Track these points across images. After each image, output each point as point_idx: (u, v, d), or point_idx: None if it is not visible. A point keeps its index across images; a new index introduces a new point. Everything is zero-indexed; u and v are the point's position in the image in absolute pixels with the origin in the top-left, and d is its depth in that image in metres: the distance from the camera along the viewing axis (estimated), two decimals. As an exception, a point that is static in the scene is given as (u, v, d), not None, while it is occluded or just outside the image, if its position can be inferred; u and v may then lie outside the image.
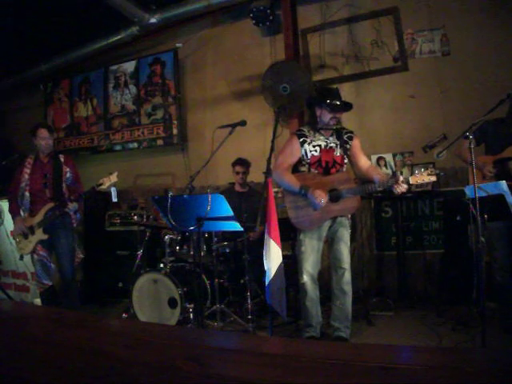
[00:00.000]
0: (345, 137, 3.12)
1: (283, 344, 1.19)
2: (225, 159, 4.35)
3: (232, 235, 3.93)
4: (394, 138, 4.55)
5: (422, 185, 2.93)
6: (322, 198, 2.90)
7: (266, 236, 2.44)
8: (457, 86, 4.27)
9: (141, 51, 5.89)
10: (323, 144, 3.09)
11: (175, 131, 5.61)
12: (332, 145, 3.10)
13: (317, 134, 3.11)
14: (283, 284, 2.46)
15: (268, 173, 2.56)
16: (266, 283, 2.42)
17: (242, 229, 2.63)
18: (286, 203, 3.10)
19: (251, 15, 4.77)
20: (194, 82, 5.67)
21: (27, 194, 3.53)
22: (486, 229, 3.08)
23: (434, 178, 2.75)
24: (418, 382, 0.78)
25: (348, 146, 3.11)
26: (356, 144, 3.13)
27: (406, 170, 4.32)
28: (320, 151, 3.08)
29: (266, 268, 2.42)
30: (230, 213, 2.49)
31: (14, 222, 3.63)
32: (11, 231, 4.13)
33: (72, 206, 3.51)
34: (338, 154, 3.10)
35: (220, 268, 3.89)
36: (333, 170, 3.08)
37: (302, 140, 3.10)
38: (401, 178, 2.75)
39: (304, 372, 0.84)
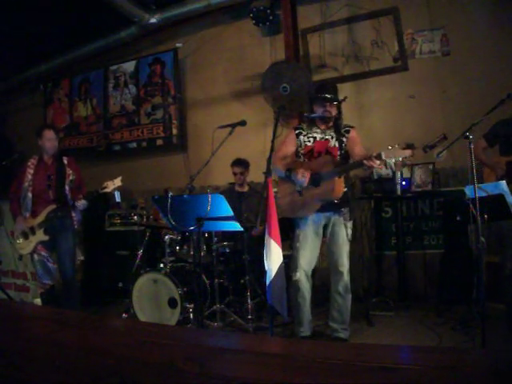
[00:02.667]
0: (342, 130, 3.13)
1: (283, 344, 1.19)
2: (225, 159, 4.34)
3: (232, 235, 3.93)
4: (394, 138, 4.51)
5: (398, 161, 2.71)
6: (303, 174, 2.91)
7: (266, 236, 2.44)
8: (457, 85, 4.26)
9: (141, 51, 5.88)
10: (319, 136, 3.12)
11: (175, 131, 5.61)
12: (327, 137, 3.12)
13: (314, 128, 3.15)
14: (284, 284, 2.46)
15: (268, 173, 2.56)
16: (267, 283, 2.42)
17: (241, 229, 2.63)
18: (279, 193, 3.12)
19: (251, 15, 4.77)
20: (193, 81, 5.66)
21: (30, 194, 3.53)
22: (496, 228, 3.10)
23: (408, 152, 2.56)
24: (418, 381, 0.78)
25: (344, 139, 3.10)
26: (353, 136, 3.11)
27: (406, 170, 4.31)
28: (314, 142, 3.11)
29: (266, 268, 2.42)
30: (230, 213, 2.49)
31: (15, 222, 3.63)
32: (11, 231, 4.13)
33: (82, 204, 3.49)
34: (333, 146, 3.09)
35: (220, 268, 3.89)
36: None
37: (297, 132, 3.17)
38: (373, 154, 2.65)
39: (304, 372, 0.84)
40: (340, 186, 2.93)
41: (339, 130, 3.12)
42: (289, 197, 3.04)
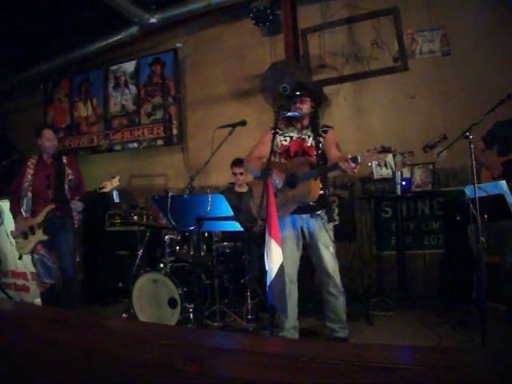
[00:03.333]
0: (320, 130, 3.08)
1: (283, 344, 1.19)
2: (225, 159, 4.35)
3: (232, 235, 3.93)
4: (393, 138, 4.53)
5: (377, 163, 2.70)
6: (277, 175, 2.90)
7: (266, 236, 2.44)
8: (457, 85, 4.26)
9: (141, 51, 5.89)
10: (295, 136, 3.10)
11: (175, 131, 5.61)
12: (304, 136, 3.08)
13: (290, 127, 3.12)
14: (284, 284, 2.46)
15: (268, 173, 2.56)
16: (268, 283, 2.42)
17: (241, 229, 2.63)
18: (254, 192, 3.08)
19: (251, 15, 4.77)
20: (193, 81, 5.67)
21: (30, 194, 3.54)
22: (496, 228, 3.11)
23: (385, 156, 2.59)
24: (417, 382, 0.78)
25: (321, 139, 3.04)
26: (330, 137, 3.04)
27: (406, 170, 4.32)
28: (290, 141, 3.08)
29: (267, 268, 2.42)
30: (230, 213, 2.49)
31: (15, 221, 3.64)
32: (11, 231, 4.13)
33: (77, 206, 3.49)
34: (309, 145, 3.04)
35: (220, 268, 3.89)
36: None
37: (273, 132, 3.06)
38: (349, 156, 2.60)
39: (304, 372, 0.84)
40: (316, 189, 2.87)
41: (316, 129, 3.08)
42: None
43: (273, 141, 2.73)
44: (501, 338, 2.91)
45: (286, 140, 3.10)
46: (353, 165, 2.58)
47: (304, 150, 3.04)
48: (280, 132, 3.11)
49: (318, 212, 2.98)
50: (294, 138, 3.09)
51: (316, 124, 3.12)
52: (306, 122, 3.10)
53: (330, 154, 2.98)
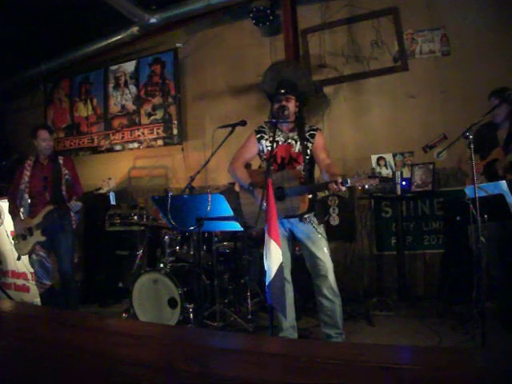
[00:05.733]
0: (307, 134, 2.97)
1: (283, 344, 1.19)
2: (225, 159, 4.35)
3: (232, 235, 3.93)
4: (394, 137, 4.55)
5: (366, 187, 2.72)
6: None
7: (266, 236, 2.43)
8: (457, 85, 4.27)
9: (141, 51, 5.89)
10: (281, 140, 2.97)
11: (175, 131, 5.62)
12: (290, 141, 2.96)
13: (276, 130, 2.92)
14: (283, 284, 2.46)
15: (268, 173, 2.56)
16: (267, 283, 2.42)
17: (241, 229, 2.63)
18: (242, 199, 3.01)
19: (251, 15, 4.77)
20: (193, 81, 5.67)
21: (26, 196, 3.54)
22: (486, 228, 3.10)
23: (374, 181, 2.57)
24: (418, 382, 0.78)
25: (310, 145, 2.94)
26: (318, 141, 2.94)
27: (406, 170, 4.32)
28: (276, 146, 2.95)
29: (266, 268, 2.42)
30: (230, 213, 2.49)
31: (13, 223, 3.64)
32: (11, 231, 4.14)
33: (75, 205, 3.48)
34: (296, 151, 2.92)
35: (220, 268, 3.89)
36: (289, 167, 2.93)
37: (259, 136, 3.02)
38: (339, 180, 2.57)
39: (304, 372, 0.84)
40: (305, 202, 2.80)
41: (303, 133, 2.97)
42: (251, 206, 2.86)
43: (272, 141, 2.69)
44: (501, 338, 2.91)
45: (271, 145, 2.90)
46: (343, 188, 2.57)
47: (291, 157, 2.93)
48: (265, 136, 3.00)
49: (306, 216, 2.89)
50: (281, 143, 2.96)
51: (302, 125, 3.00)
52: (291, 124, 2.98)
53: (319, 160, 2.91)
